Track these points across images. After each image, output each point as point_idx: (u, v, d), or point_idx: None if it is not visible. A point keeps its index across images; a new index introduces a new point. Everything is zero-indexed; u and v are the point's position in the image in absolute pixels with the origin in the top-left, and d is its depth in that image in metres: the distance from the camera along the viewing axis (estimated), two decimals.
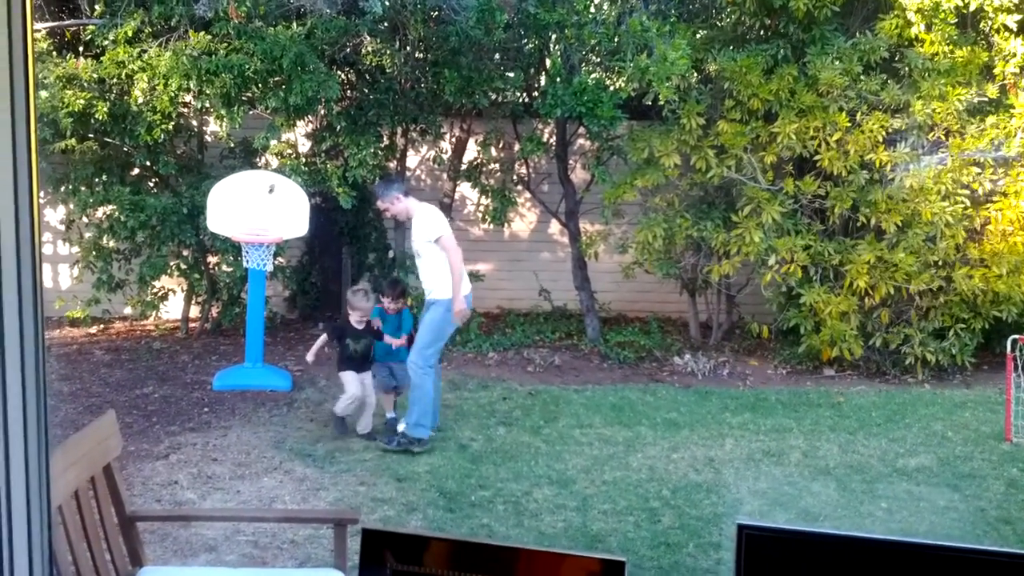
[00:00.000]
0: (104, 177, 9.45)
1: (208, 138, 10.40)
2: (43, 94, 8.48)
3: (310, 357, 7.20)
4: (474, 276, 10.20)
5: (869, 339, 8.93)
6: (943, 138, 8.75)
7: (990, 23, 8.80)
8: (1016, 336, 7.44)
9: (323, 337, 7.13)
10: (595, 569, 1.92)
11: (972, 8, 8.70)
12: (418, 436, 6.46)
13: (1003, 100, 8.82)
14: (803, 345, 9.06)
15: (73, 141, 8.98)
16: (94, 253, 9.55)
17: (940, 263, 8.67)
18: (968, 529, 5.36)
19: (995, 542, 5.16)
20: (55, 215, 10.42)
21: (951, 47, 8.69)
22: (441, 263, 6.51)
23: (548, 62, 9.86)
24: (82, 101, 8.57)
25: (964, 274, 8.56)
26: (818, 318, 8.85)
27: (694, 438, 7.00)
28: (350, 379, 6.86)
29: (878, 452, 6.75)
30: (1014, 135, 8.62)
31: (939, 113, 8.52)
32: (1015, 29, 8.67)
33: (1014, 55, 8.67)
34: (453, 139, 10.54)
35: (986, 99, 8.74)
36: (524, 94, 10.19)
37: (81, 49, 9.67)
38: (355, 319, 6.91)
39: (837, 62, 8.73)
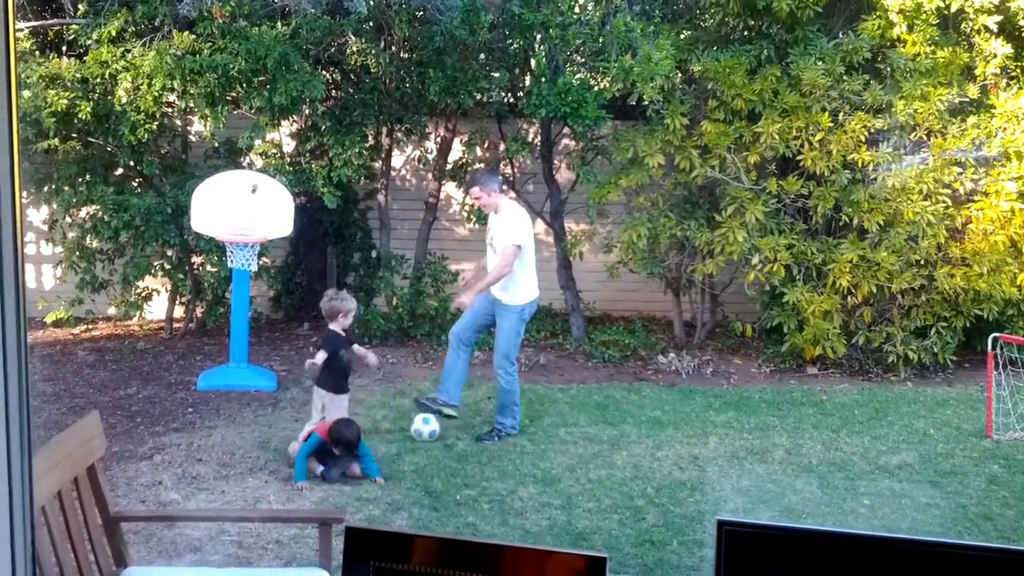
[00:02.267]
0: (87, 177, 9.40)
1: (192, 138, 10.36)
2: (26, 93, 8.43)
3: (309, 369, 6.64)
4: (459, 276, 10.24)
5: (852, 337, 8.98)
6: (925, 138, 8.82)
7: (971, 24, 8.88)
8: (997, 334, 7.51)
9: (321, 354, 6.38)
10: (577, 565, 1.93)
11: (953, 9, 8.78)
12: (509, 432, 6.86)
13: (984, 100, 8.90)
14: (786, 344, 9.11)
15: (56, 141, 8.94)
16: (77, 253, 9.50)
17: (922, 262, 8.73)
18: (949, 525, 5.40)
19: (976, 538, 5.21)
20: (38, 215, 10.37)
21: (933, 48, 8.76)
22: (518, 267, 6.77)
23: (533, 62, 9.88)
24: (65, 101, 8.53)
25: (946, 273, 8.63)
26: (801, 317, 8.90)
27: (678, 436, 7.03)
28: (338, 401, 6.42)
29: (861, 449, 6.80)
30: (995, 135, 8.70)
31: (921, 113, 8.59)
32: (995, 30, 8.75)
33: (995, 56, 8.74)
34: (438, 139, 10.54)
35: (967, 99, 8.82)
36: (509, 94, 10.21)
37: (64, 48, 9.62)
38: (340, 327, 6.54)
39: (820, 62, 8.78)
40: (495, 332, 7.02)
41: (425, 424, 6.76)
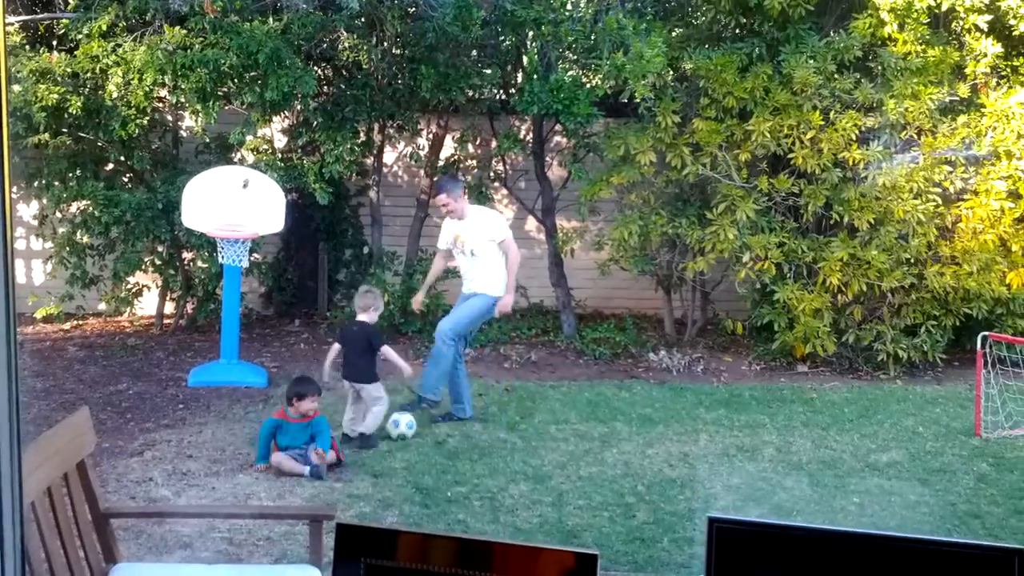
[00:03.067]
0: (78, 172, 9.37)
1: (183, 133, 10.33)
2: (16, 88, 8.41)
3: (326, 376, 6.73)
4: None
5: (842, 336, 9.01)
6: (915, 137, 8.85)
7: (961, 23, 8.91)
8: (986, 333, 7.54)
9: (336, 347, 6.66)
10: (568, 562, 1.94)
11: (944, 8, 8.80)
12: (433, 398, 7.05)
13: (974, 99, 8.93)
14: (777, 342, 9.14)
15: (46, 136, 8.91)
16: (67, 249, 9.48)
17: (912, 260, 8.76)
18: (938, 523, 5.42)
19: (965, 535, 5.23)
20: (28, 210, 10.33)
21: (923, 47, 8.79)
22: (497, 262, 7.13)
23: (525, 59, 9.88)
24: (56, 95, 8.50)
25: (936, 271, 8.66)
26: (792, 315, 8.93)
27: (669, 434, 7.04)
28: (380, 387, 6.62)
29: (850, 447, 6.82)
30: (985, 134, 8.73)
31: (911, 112, 8.61)
32: (986, 29, 8.78)
33: (985, 55, 8.77)
34: (430, 135, 10.54)
35: (957, 98, 8.84)
36: (501, 91, 10.21)
37: (55, 43, 9.59)
38: (371, 318, 6.72)
39: (811, 61, 8.80)
40: (459, 306, 7.34)
41: (402, 414, 6.78)
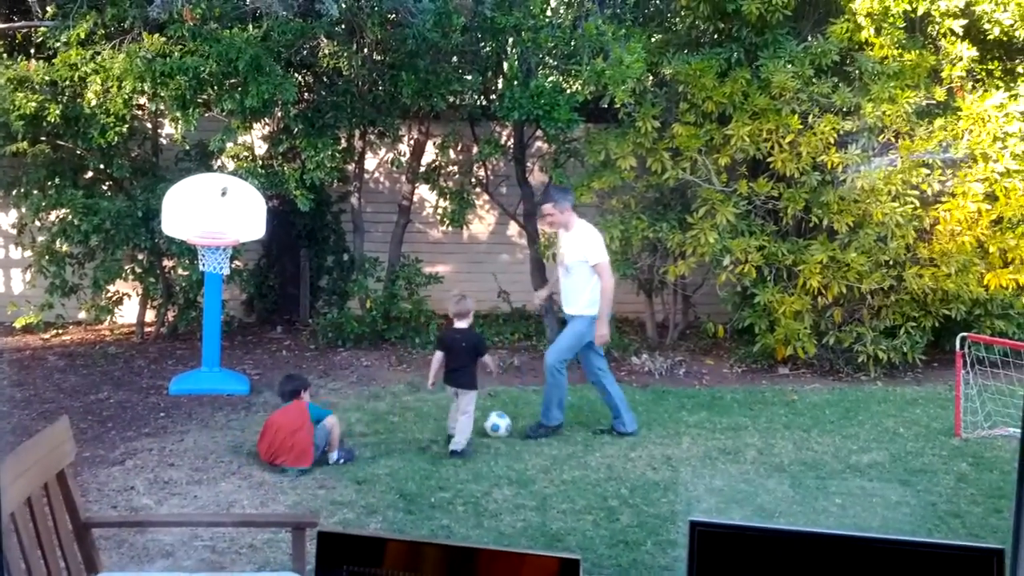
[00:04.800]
0: (57, 180, 9.30)
1: (163, 141, 10.28)
2: None
3: (431, 383, 7.00)
4: (433, 278, 10.24)
5: (822, 338, 9.06)
6: (893, 140, 8.92)
7: (937, 27, 8.98)
8: (965, 334, 7.60)
9: (440, 355, 6.76)
10: (551, 567, 1.95)
11: (920, 13, 8.88)
12: (554, 424, 7.09)
13: (950, 103, 9.01)
14: (758, 344, 9.18)
15: (25, 144, 8.85)
16: (47, 257, 9.41)
17: (891, 263, 8.82)
18: (919, 523, 5.47)
19: (945, 535, 5.28)
20: (6, 219, 10.26)
21: (900, 51, 8.86)
22: (589, 284, 7.00)
23: (505, 65, 9.90)
24: (34, 104, 8.44)
25: (914, 273, 8.73)
26: (772, 317, 8.97)
27: (651, 437, 7.07)
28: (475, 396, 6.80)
29: (832, 449, 6.86)
30: (961, 137, 8.81)
31: (889, 115, 8.68)
32: (961, 34, 8.85)
33: (961, 59, 8.85)
34: (411, 142, 10.53)
35: (934, 102, 8.91)
36: (482, 97, 10.21)
37: (32, 51, 9.52)
38: (467, 323, 6.85)
39: (789, 65, 8.86)
40: (561, 332, 7.33)
41: (500, 418, 7.03)
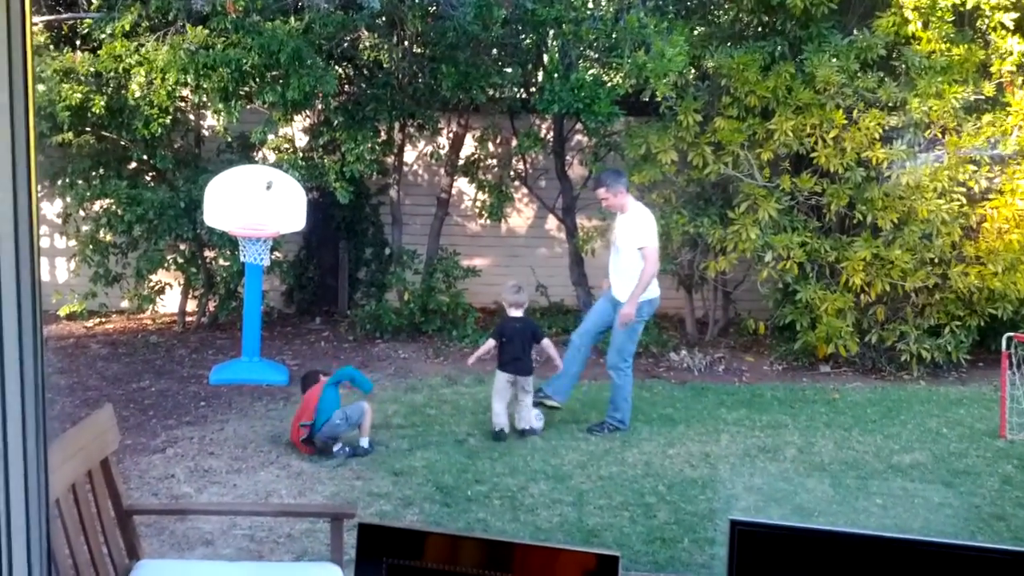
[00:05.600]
0: (101, 171, 9.44)
1: (205, 132, 10.39)
2: (40, 88, 8.47)
3: (473, 361, 7.16)
4: (471, 271, 10.25)
5: (865, 336, 8.95)
6: (939, 136, 8.77)
7: (987, 21, 8.81)
8: (1011, 333, 7.47)
9: (491, 343, 6.93)
10: (589, 563, 1.93)
11: (969, 6, 8.71)
12: (618, 425, 7.05)
13: (1000, 98, 8.84)
14: (799, 341, 9.08)
15: (70, 135, 8.97)
16: (91, 247, 9.53)
17: (936, 260, 8.69)
18: (962, 525, 5.38)
19: (989, 539, 5.19)
20: (52, 209, 10.41)
21: (948, 45, 8.71)
22: (637, 267, 6.93)
23: (546, 58, 9.87)
24: (79, 95, 8.56)
25: (960, 271, 8.59)
26: (814, 315, 8.87)
27: (690, 434, 7.02)
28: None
29: (873, 448, 6.77)
30: (1010, 133, 8.64)
31: (936, 111, 8.54)
32: (1012, 27, 8.68)
33: (1011, 53, 8.68)
34: (450, 134, 10.54)
35: (983, 97, 8.76)
36: (521, 90, 10.19)
37: (78, 43, 9.65)
38: (521, 312, 7.01)
39: (834, 59, 8.74)
40: (612, 330, 7.23)
41: (537, 420, 7.01)
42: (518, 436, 6.82)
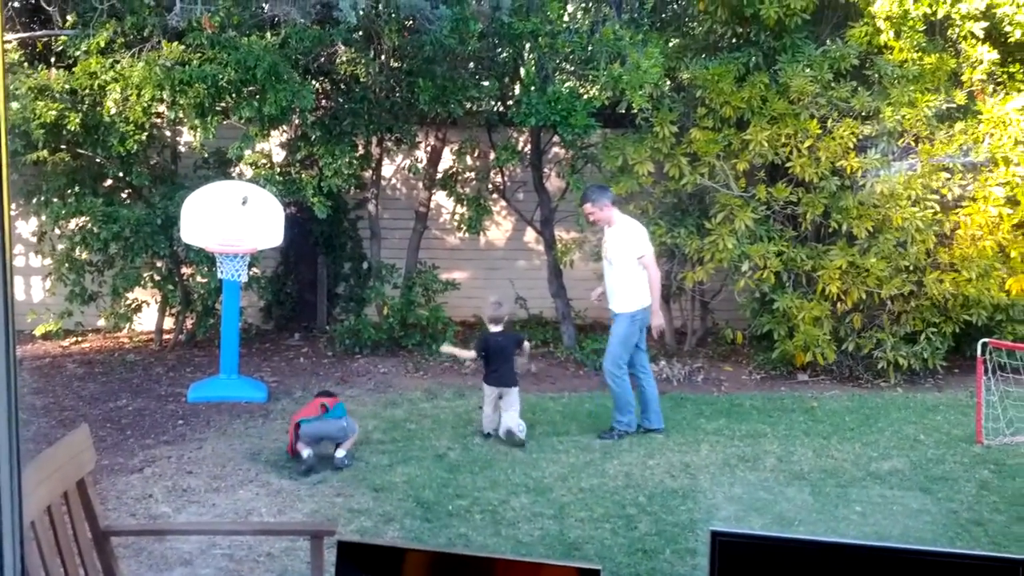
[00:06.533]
0: (76, 188, 9.36)
1: (182, 148, 10.35)
2: (14, 105, 8.41)
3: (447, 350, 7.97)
4: (451, 285, 10.24)
5: (842, 344, 9.00)
6: (913, 144, 8.86)
7: (958, 30, 8.93)
8: (986, 339, 7.53)
9: (471, 354, 7.42)
10: None
11: (940, 16, 8.82)
12: (625, 430, 7.20)
13: (971, 106, 8.95)
14: (777, 350, 9.13)
15: (45, 152, 8.91)
16: (66, 265, 9.46)
17: (911, 268, 8.76)
18: (941, 532, 5.41)
19: (967, 545, 5.22)
20: (27, 227, 10.34)
21: (920, 54, 8.81)
22: (632, 277, 7.15)
23: (522, 71, 9.90)
24: (54, 112, 8.51)
25: (935, 279, 8.66)
26: (791, 323, 8.92)
27: (670, 444, 7.03)
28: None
29: (851, 456, 6.81)
30: (982, 140, 8.74)
31: (909, 119, 8.63)
32: (982, 36, 8.79)
33: (981, 62, 8.79)
34: (428, 148, 10.55)
35: (954, 105, 8.86)
36: (499, 103, 10.22)
37: (53, 60, 9.60)
38: (502, 327, 7.22)
39: (808, 70, 8.82)
40: (608, 338, 7.40)
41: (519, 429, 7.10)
42: (502, 442, 6.89)
